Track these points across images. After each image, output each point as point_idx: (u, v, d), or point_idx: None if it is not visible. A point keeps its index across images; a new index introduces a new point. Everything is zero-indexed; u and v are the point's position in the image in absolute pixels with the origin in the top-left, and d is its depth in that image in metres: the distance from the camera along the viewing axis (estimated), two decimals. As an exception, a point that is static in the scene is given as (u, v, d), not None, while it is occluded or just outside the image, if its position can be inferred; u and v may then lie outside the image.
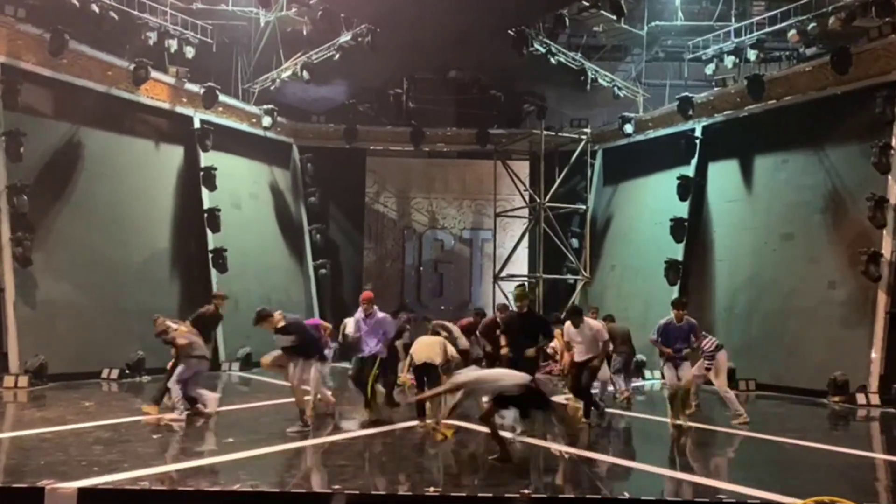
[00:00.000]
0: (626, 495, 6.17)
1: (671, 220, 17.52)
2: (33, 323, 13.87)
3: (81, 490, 5.76)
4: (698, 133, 17.95)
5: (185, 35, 17.68)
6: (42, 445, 7.92)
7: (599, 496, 6.28)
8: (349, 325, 11.57)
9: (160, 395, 10.28)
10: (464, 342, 11.58)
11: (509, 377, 7.81)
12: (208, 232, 17.61)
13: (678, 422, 9.92)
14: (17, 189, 13.74)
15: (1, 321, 13.49)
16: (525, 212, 20.98)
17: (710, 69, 18.45)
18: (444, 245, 22.56)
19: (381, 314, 10.40)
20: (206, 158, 17.83)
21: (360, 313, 10.46)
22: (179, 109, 17.75)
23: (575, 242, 21.05)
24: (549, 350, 12.67)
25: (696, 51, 18.97)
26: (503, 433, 7.97)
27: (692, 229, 17.65)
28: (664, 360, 10.37)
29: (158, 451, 7.89)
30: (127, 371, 14.73)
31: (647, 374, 16.96)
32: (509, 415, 9.97)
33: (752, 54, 17.34)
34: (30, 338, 13.65)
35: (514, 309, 10.88)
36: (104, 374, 14.64)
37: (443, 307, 20.51)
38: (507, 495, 5.95)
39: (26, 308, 13.84)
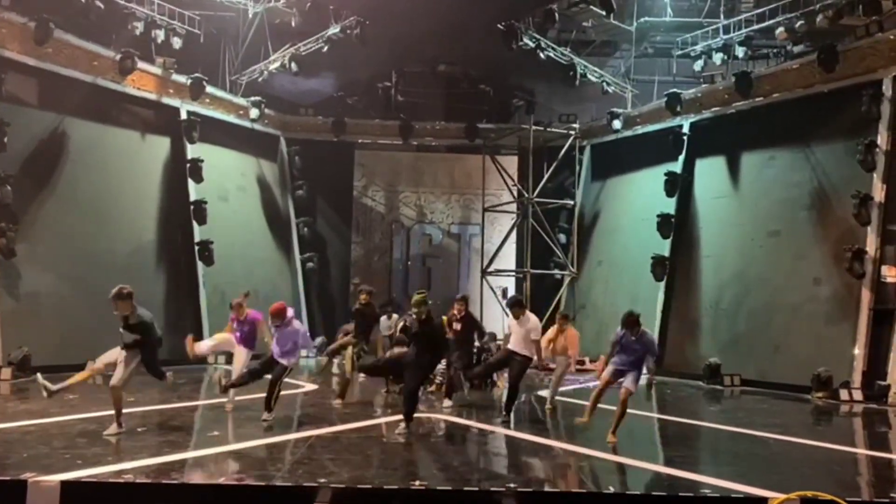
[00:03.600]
0: (611, 489, 6.19)
1: (658, 216, 17.59)
2: (17, 315, 13.75)
3: (65, 483, 5.72)
4: (686, 129, 18.01)
5: (173, 25, 17.51)
6: (25, 438, 7.86)
7: (584, 490, 6.30)
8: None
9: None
10: None
11: None
12: (194, 224, 17.51)
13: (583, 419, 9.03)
14: (1, 179, 13.62)
15: (-16, 313, 13.40)
16: (513, 207, 21.00)
17: (698, 66, 18.54)
18: (432, 239, 22.53)
19: (297, 324, 9.55)
20: (192, 150, 17.73)
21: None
22: (166, 100, 17.62)
23: (562, 238, 21.10)
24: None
25: (684, 47, 19.03)
26: None
27: (679, 225, 17.73)
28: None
29: (142, 444, 7.84)
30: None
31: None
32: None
33: (740, 51, 17.44)
34: (13, 330, 13.54)
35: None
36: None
37: (430, 301, 20.46)
38: (492, 489, 5.96)
39: (10, 300, 13.72)
